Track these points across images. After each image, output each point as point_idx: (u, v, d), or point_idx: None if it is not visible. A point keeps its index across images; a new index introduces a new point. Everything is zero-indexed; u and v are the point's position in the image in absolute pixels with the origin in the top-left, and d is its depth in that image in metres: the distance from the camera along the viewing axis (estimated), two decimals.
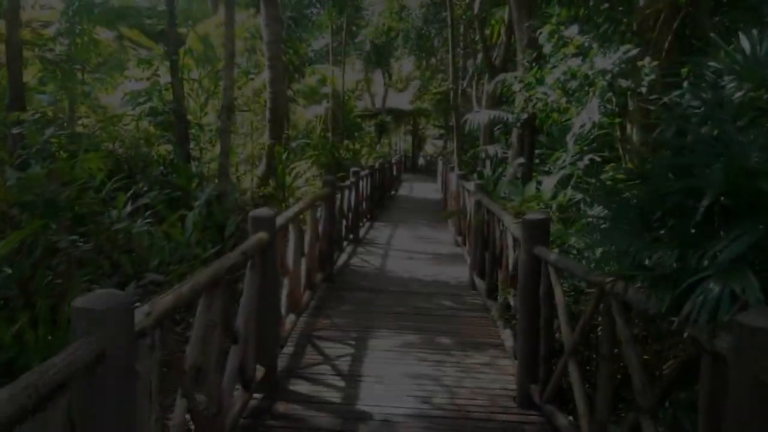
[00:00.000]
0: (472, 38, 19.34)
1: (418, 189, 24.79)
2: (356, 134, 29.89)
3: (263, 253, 3.80)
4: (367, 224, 12.57)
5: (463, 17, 16.73)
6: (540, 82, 6.20)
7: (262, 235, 3.74)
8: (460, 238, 9.89)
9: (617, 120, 5.45)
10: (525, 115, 7.54)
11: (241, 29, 13.83)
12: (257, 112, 15.25)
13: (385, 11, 27.61)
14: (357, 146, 23.92)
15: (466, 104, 19.98)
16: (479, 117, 11.33)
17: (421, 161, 41.44)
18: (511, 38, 13.94)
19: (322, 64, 29.59)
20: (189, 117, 8.61)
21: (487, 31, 14.76)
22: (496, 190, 7.71)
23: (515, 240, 4.72)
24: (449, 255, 9.37)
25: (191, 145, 8.96)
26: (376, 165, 16.93)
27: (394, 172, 22.81)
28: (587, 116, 4.87)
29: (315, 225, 6.20)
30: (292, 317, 5.03)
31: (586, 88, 4.95)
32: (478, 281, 6.86)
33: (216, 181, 8.57)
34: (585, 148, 5.84)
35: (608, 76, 4.72)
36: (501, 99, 14.54)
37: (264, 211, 3.98)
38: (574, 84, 5.15)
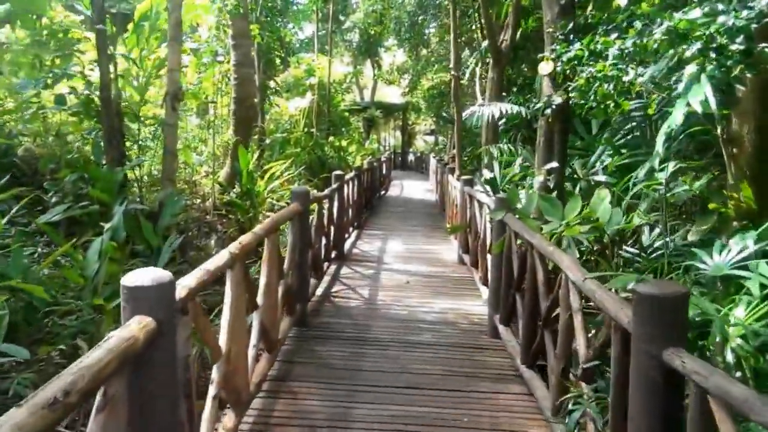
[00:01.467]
0: (469, 26, 17.51)
1: (409, 188, 22.95)
2: (344, 129, 28.05)
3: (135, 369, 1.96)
4: (355, 234, 10.74)
5: None
6: (596, 54, 4.39)
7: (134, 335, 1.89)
8: (467, 257, 8.09)
9: (724, 111, 3.65)
10: (557, 101, 5.72)
11: None
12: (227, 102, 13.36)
13: None
14: (344, 143, 22.01)
15: (464, 98, 18.14)
16: (487, 110, 9.50)
17: (410, 158, 39.59)
18: (520, 20, 12.14)
19: (307, 53, 27.64)
20: (127, 105, 6.74)
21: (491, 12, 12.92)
22: (514, 202, 5.89)
23: (581, 300, 2.92)
24: (455, 279, 7.56)
25: (135, 143, 7.09)
26: (365, 165, 15.08)
27: (384, 171, 20.95)
28: (695, 101, 3.06)
29: (277, 260, 4.34)
30: (229, 420, 3.18)
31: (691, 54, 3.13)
32: (503, 331, 5.04)
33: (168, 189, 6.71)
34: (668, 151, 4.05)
35: (739, 39, 2.92)
36: (515, 88, 12.77)
37: (143, 277, 2.07)
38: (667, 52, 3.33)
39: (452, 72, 10.56)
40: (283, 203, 9.83)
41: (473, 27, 18.05)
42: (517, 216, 4.79)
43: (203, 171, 9.48)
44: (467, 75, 16.52)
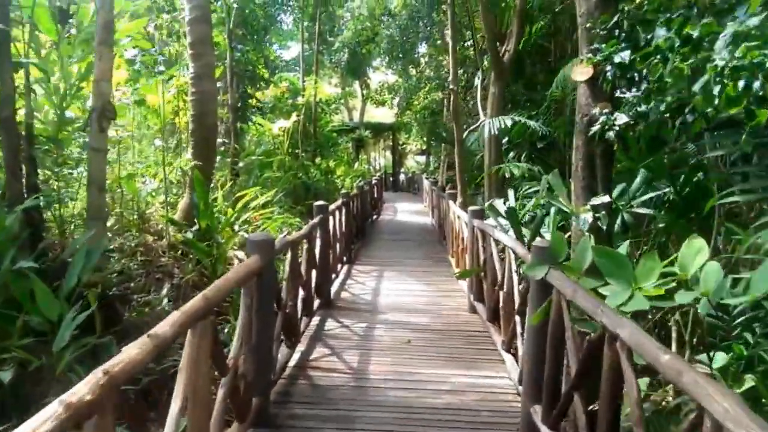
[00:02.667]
0: (462, 44, 16.19)
1: (402, 210, 21.47)
2: (332, 150, 26.64)
3: None
4: (344, 271, 9.22)
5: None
6: (693, 45, 2.96)
7: None
8: (480, 307, 6.58)
9: None
10: (621, 120, 4.27)
11: None
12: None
13: (366, 15, 24.36)
14: (331, 164, 20.54)
15: (461, 116, 16.78)
16: (497, 123, 8.08)
17: (402, 178, 38.21)
18: (525, 26, 10.80)
19: (293, 73, 26.31)
20: (42, 126, 5.23)
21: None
22: (561, 253, 4.45)
23: None
24: (469, 337, 6.01)
25: (54, 174, 5.56)
26: (354, 189, 13.61)
27: (376, 194, 19.47)
28: None
29: (208, 360, 2.79)
30: None
31: None
32: None
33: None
34: None
35: None
36: (520, 103, 11.39)
37: None
38: None
39: (451, 86, 9.17)
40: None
41: (467, 44, 16.79)
42: (575, 278, 3.28)
43: (157, 203, 7.94)
44: (460, 92, 15.19)
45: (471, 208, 7.14)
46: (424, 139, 25.58)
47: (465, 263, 7.64)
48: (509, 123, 8.33)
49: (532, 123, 8.54)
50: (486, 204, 8.32)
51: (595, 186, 4.86)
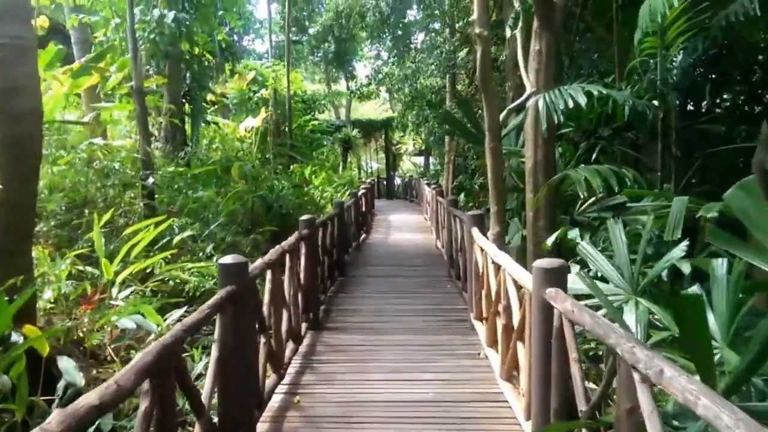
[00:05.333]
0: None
1: (398, 225, 17.59)
2: (314, 154, 22.79)
3: None
4: (306, 342, 5.54)
5: None
6: None
7: None
8: None
9: None
10: None
11: None
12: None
13: None
14: (308, 172, 16.72)
15: (475, 104, 12.95)
16: (554, 100, 4.35)
17: (397, 182, 34.27)
18: None
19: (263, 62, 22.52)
20: None
21: None
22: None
23: None
24: None
25: None
26: (330, 208, 9.88)
27: (364, 208, 15.66)
28: None
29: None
30: None
31: None
32: None
33: None
34: None
35: None
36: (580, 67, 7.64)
37: None
38: None
39: (476, 30, 5.30)
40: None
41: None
42: None
43: None
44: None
45: (537, 264, 3.32)
46: (423, 137, 21.75)
47: (522, 364, 3.87)
48: (581, 98, 4.62)
49: (623, 96, 4.84)
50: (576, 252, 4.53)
51: None
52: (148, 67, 12.03)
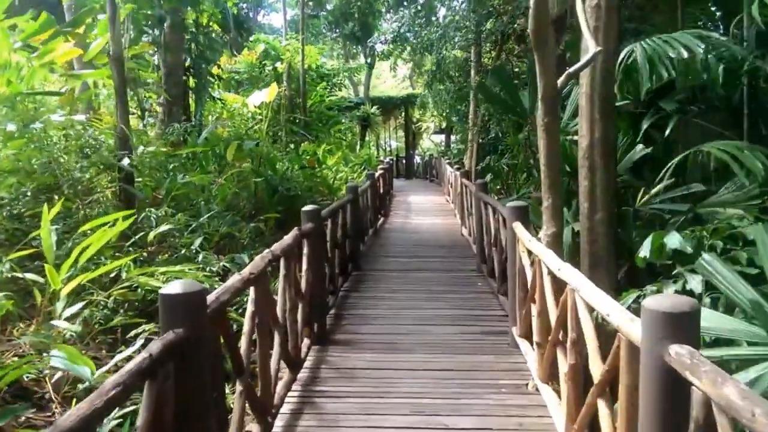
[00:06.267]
0: None
1: (418, 208, 16.39)
2: (330, 132, 21.60)
3: None
4: (309, 364, 4.47)
5: None
6: None
7: None
8: None
9: None
10: None
11: None
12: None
13: None
14: (323, 150, 15.52)
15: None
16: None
17: (416, 161, 32.93)
18: None
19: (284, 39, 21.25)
20: None
21: None
22: None
23: None
24: None
25: None
26: (346, 192, 8.76)
27: (382, 190, 14.48)
28: None
29: None
30: None
31: None
32: None
33: None
34: None
35: None
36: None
37: None
38: None
39: None
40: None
41: None
42: None
43: None
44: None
45: (652, 305, 2.12)
46: (444, 113, 20.35)
47: None
48: (684, 51, 3.36)
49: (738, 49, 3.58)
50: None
51: None
52: (146, 36, 10.85)
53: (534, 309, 4.18)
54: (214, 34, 12.76)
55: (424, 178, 28.73)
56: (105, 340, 4.13)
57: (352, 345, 5.25)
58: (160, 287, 4.47)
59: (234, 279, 3.02)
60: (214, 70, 14.21)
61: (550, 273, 3.67)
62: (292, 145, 14.70)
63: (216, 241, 6.25)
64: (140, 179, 6.40)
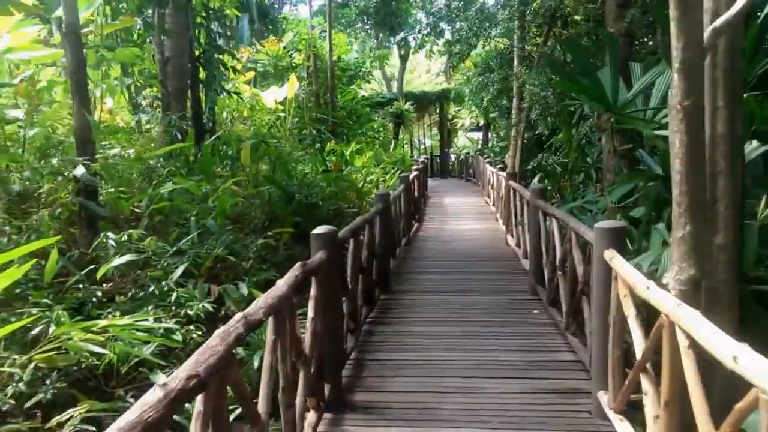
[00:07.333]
0: None
1: (455, 211, 14.92)
2: (363, 130, 20.26)
3: None
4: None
5: None
6: None
7: None
8: None
9: None
10: None
11: None
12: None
13: None
14: (351, 150, 14.14)
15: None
16: None
17: (452, 159, 31.29)
18: None
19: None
20: None
21: None
22: None
23: None
24: None
25: None
26: (376, 201, 7.41)
27: (416, 193, 13.06)
28: None
29: None
30: None
31: None
32: None
33: None
34: None
35: None
36: None
37: None
38: None
39: None
40: None
41: None
42: None
43: None
44: None
45: None
46: (482, 109, 18.78)
47: None
48: None
49: None
50: None
51: None
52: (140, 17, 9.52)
53: (648, 385, 2.72)
54: (229, 21, 11.50)
55: (460, 177, 27.19)
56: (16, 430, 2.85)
57: (376, 412, 3.88)
58: (101, 350, 3.18)
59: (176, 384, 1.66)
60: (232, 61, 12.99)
61: (693, 345, 2.22)
62: (318, 145, 13.40)
63: (208, 267, 4.95)
64: (112, 189, 5.15)
